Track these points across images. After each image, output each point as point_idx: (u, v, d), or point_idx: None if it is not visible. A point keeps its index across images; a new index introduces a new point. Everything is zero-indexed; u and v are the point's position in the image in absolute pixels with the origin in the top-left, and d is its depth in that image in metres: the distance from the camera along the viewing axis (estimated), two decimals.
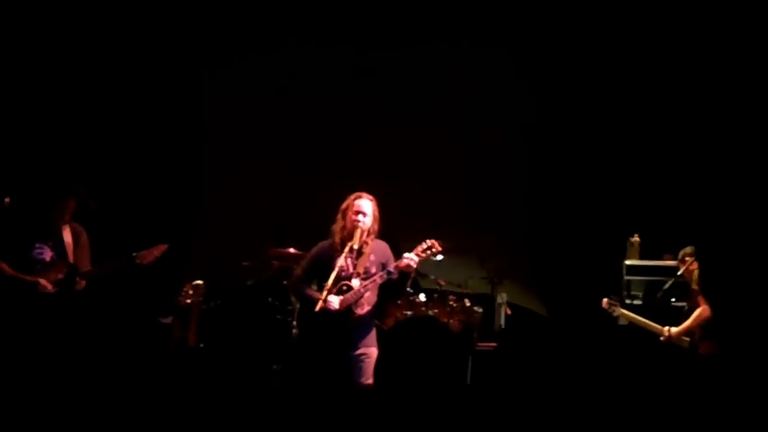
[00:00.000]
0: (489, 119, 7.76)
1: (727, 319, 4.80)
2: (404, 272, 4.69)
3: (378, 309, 4.99)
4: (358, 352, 4.64)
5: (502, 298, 6.84)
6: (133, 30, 7.32)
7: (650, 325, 5.56)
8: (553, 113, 7.71)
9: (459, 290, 6.76)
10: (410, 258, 4.63)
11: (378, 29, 7.66)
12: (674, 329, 5.44)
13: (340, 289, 4.61)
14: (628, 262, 6.57)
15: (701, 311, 5.26)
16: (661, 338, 5.49)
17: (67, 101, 7.14)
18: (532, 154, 7.84)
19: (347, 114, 7.74)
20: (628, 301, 6.39)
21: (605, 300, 5.70)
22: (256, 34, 7.70)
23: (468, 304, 6.53)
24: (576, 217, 7.46)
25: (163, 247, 5.02)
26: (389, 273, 4.64)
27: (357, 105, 7.76)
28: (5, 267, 4.85)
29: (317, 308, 4.51)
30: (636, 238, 6.68)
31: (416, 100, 7.75)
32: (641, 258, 6.57)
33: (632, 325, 5.62)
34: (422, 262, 4.78)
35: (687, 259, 5.61)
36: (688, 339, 5.44)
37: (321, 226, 5.00)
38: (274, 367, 5.97)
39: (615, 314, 5.68)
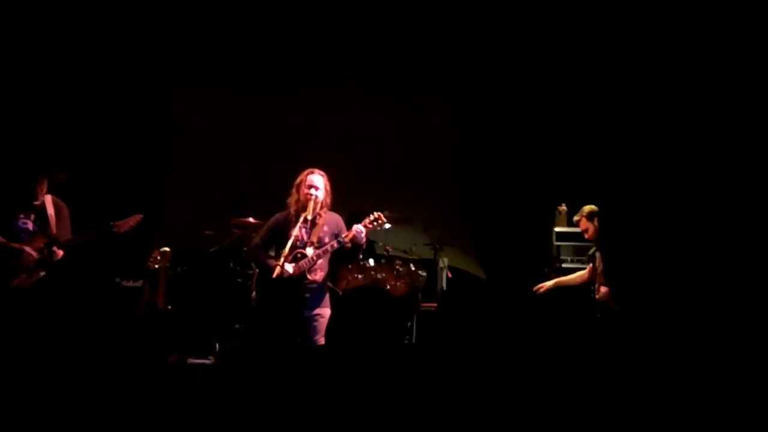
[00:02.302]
0: (433, 97, 8.08)
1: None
2: (356, 242, 5.12)
3: (331, 273, 5.42)
4: (313, 313, 5.05)
5: (443, 262, 7.12)
6: (97, 3, 7.45)
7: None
8: (492, 92, 8.04)
9: (405, 255, 7.02)
10: (358, 228, 5.09)
11: (329, 6, 7.87)
12: (604, 288, 5.83)
13: (295, 256, 5.02)
14: (557, 229, 6.91)
15: None
16: (597, 296, 5.85)
17: (36, 75, 7.28)
18: (473, 133, 8.17)
19: (303, 92, 8.01)
20: (557, 264, 6.85)
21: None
22: (219, 7, 7.88)
23: (413, 268, 6.77)
24: (511, 189, 7.84)
25: (139, 217, 5.35)
26: (340, 242, 5.07)
27: (311, 83, 8.01)
28: None
29: (274, 275, 4.91)
30: (563, 207, 7.01)
31: (366, 78, 8.03)
32: (568, 225, 6.80)
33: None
34: (370, 231, 5.20)
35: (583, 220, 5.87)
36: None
37: (278, 198, 5.38)
38: (236, 326, 6.30)
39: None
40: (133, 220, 5.34)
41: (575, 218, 5.99)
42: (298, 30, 7.99)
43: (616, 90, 7.44)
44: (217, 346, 6.28)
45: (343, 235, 5.11)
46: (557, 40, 7.68)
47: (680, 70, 7.05)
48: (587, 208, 5.88)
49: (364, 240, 5.19)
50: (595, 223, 5.82)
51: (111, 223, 5.27)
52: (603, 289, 5.80)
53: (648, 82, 7.24)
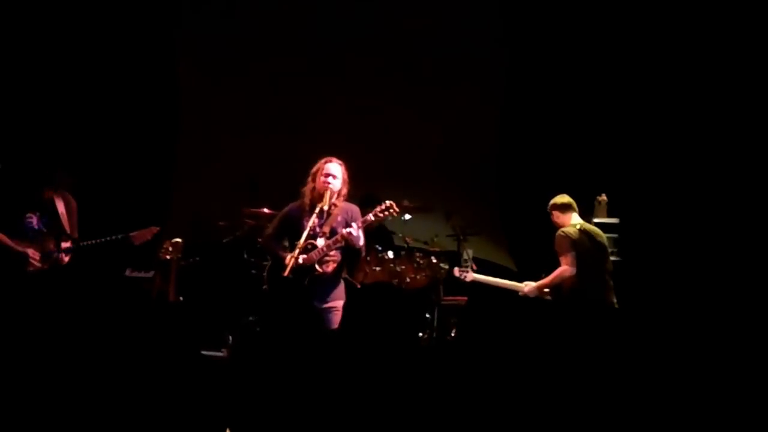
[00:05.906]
0: (459, 77, 7.76)
1: None
2: (349, 243, 4.86)
3: (349, 265, 5.25)
4: (326, 305, 4.90)
5: (467, 254, 6.70)
6: None
7: (506, 284, 5.89)
8: (525, 72, 7.71)
9: (426, 247, 6.79)
10: (349, 231, 4.84)
11: None
12: (533, 284, 5.72)
13: (305, 247, 4.86)
14: (596, 220, 6.55)
15: (562, 270, 5.55)
16: (520, 293, 5.76)
17: (42, 67, 7.22)
18: (503, 112, 7.82)
19: (319, 75, 7.77)
20: None
21: (455, 269, 6.06)
22: None
23: (434, 260, 6.56)
24: (545, 176, 7.38)
25: (155, 229, 5.39)
26: (350, 233, 4.82)
27: (328, 63, 7.77)
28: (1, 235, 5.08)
29: (286, 273, 4.76)
30: (603, 197, 6.73)
31: (387, 57, 7.75)
32: (608, 216, 6.64)
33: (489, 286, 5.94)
34: (387, 221, 5.02)
35: (554, 212, 5.77)
36: (548, 291, 5.72)
37: (293, 187, 5.22)
38: (250, 318, 6.20)
39: (468, 280, 6.03)
40: (149, 233, 5.37)
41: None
42: (315, 6, 7.75)
43: (660, 74, 7.12)
44: (230, 338, 6.16)
45: (353, 226, 4.87)
46: (595, 24, 7.37)
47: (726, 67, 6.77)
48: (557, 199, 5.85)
49: (360, 244, 4.94)
50: (553, 214, 5.79)
51: (129, 234, 5.29)
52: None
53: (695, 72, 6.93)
